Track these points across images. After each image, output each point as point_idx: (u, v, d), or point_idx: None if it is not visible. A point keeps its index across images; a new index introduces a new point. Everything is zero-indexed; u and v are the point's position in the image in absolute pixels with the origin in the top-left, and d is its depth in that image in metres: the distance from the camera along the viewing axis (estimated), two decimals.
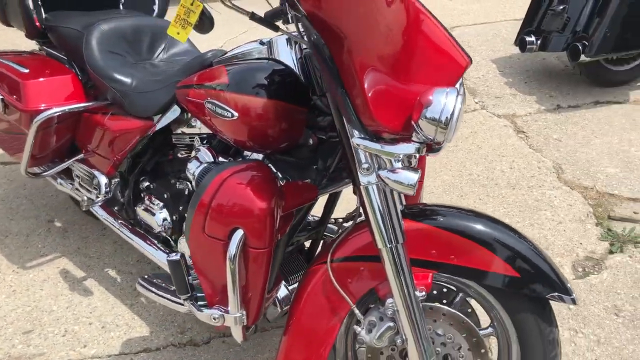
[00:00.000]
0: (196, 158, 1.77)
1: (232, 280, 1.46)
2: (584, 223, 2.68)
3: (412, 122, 1.29)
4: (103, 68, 2.06)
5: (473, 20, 5.36)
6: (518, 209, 2.79)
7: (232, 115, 1.59)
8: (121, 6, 2.56)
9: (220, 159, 1.76)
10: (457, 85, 1.33)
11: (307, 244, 2.01)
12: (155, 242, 2.05)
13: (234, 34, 5.29)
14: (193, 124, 1.91)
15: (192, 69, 1.89)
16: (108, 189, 2.10)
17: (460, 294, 1.58)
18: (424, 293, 1.48)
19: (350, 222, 1.64)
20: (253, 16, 1.34)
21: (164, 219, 2.05)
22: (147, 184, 2.17)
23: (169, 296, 1.76)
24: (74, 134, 2.26)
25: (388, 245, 1.41)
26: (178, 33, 1.28)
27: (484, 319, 1.59)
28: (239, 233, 1.45)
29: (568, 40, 3.69)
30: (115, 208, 2.22)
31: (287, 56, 1.65)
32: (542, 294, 1.45)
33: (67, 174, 2.35)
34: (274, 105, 1.57)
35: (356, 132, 1.35)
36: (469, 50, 4.53)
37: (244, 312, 1.51)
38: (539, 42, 3.86)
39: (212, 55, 1.87)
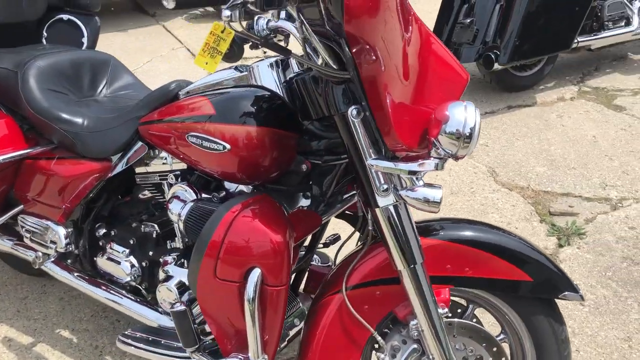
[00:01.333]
0: (176, 197, 1.64)
1: (252, 324, 1.36)
2: (530, 221, 2.81)
3: (432, 139, 1.27)
4: (47, 109, 1.87)
5: None
6: (467, 213, 2.87)
7: (224, 148, 1.49)
8: (44, 40, 2.35)
9: (204, 195, 1.65)
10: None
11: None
12: (126, 294, 1.87)
13: (138, 64, 5.06)
14: (163, 161, 1.77)
15: (155, 103, 1.77)
16: (68, 241, 1.89)
17: (471, 306, 1.59)
18: (446, 310, 1.46)
19: (357, 247, 1.59)
20: (266, 42, 1.27)
21: (132, 267, 1.88)
22: (105, 230, 1.98)
23: (161, 350, 1.60)
24: (12, 185, 2.02)
25: (409, 267, 1.39)
26: (206, 63, 1.19)
27: (491, 326, 1.60)
28: (256, 272, 1.35)
29: (479, 50, 3.90)
30: (68, 261, 2.01)
31: (270, 81, 1.58)
32: (555, 294, 1.49)
33: (5, 230, 2.09)
34: (267, 133, 1.50)
35: (372, 154, 1.32)
36: None
37: (266, 357, 1.41)
38: None
39: (176, 87, 1.76)
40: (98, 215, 2.00)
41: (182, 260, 1.79)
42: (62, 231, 1.88)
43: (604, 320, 2.21)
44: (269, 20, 1.63)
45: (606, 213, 2.87)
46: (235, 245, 1.35)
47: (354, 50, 1.14)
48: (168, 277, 1.77)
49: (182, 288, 1.74)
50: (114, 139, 1.81)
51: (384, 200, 1.35)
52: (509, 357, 1.55)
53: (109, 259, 1.91)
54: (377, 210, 1.37)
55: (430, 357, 1.44)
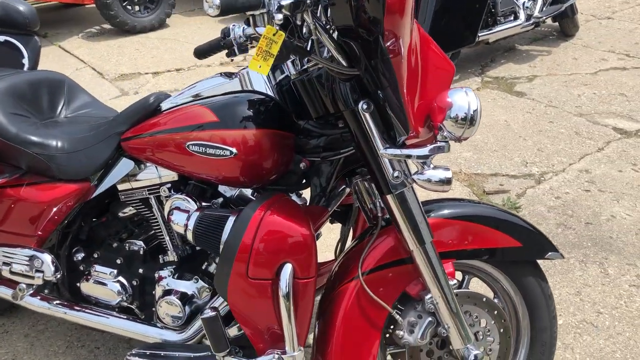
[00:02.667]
0: (177, 209, 1.63)
1: (287, 318, 1.40)
2: None
3: (438, 124, 1.39)
4: (16, 133, 1.77)
5: None
6: None
7: (230, 153, 1.52)
8: None
9: (204, 203, 1.66)
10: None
11: None
12: (120, 315, 1.83)
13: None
14: (150, 175, 1.74)
15: (134, 117, 1.75)
16: (55, 267, 1.80)
17: (466, 277, 1.73)
18: (455, 281, 1.59)
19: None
20: (307, 51, 1.32)
21: (122, 287, 1.84)
22: (84, 254, 1.91)
23: None
24: None
25: (421, 246, 1.50)
26: (260, 67, 1.20)
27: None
28: (288, 267, 1.40)
29: None
30: (45, 291, 1.91)
31: (261, 85, 1.63)
32: (541, 255, 1.66)
33: None
34: (269, 135, 1.55)
35: (383, 144, 1.41)
36: None
37: (302, 349, 1.45)
38: None
39: (155, 100, 1.75)
40: (74, 239, 1.93)
41: (179, 272, 1.78)
42: (48, 258, 1.79)
43: (554, 281, 2.46)
44: (244, 28, 1.69)
45: (533, 187, 3.17)
46: (266, 244, 1.39)
47: (387, 44, 1.23)
48: (168, 292, 1.76)
49: (184, 299, 1.73)
50: (93, 157, 1.76)
51: (395, 186, 1.46)
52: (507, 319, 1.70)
53: (96, 282, 1.85)
54: (389, 196, 1.47)
55: (446, 326, 1.56)
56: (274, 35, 1.19)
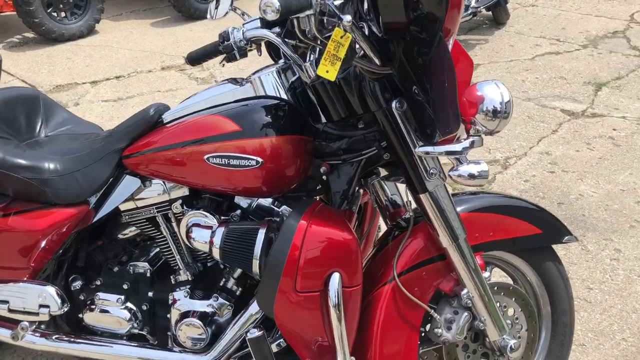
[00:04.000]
0: (197, 225, 1.54)
1: (339, 328, 1.35)
2: None
3: (471, 118, 1.39)
4: (2, 158, 1.61)
5: None
6: None
7: (256, 163, 1.46)
8: None
9: (222, 217, 1.57)
10: None
11: None
12: (133, 343, 1.71)
13: None
14: (158, 192, 1.63)
15: (135, 132, 1.64)
16: (62, 298, 1.65)
17: (488, 268, 1.75)
18: (487, 274, 1.60)
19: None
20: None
21: (132, 313, 1.72)
22: (82, 282, 1.77)
23: None
24: None
25: (455, 242, 1.49)
26: (327, 71, 1.13)
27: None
28: (336, 276, 1.35)
29: None
30: (42, 327, 1.76)
31: (275, 90, 1.57)
32: (559, 240, 1.71)
33: None
34: (292, 140, 1.50)
35: (417, 142, 1.39)
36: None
37: (353, 358, 1.41)
38: None
39: (155, 112, 1.65)
40: (70, 267, 1.78)
41: (195, 292, 1.68)
42: (52, 290, 1.64)
43: None
44: (244, 31, 1.63)
45: (501, 173, 3.26)
46: (314, 255, 1.34)
47: (444, 41, 1.20)
48: (185, 314, 1.66)
49: (205, 319, 1.65)
50: (91, 178, 1.64)
51: (433, 183, 1.44)
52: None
53: (102, 310, 1.72)
54: (424, 194, 1.45)
55: (482, 319, 1.57)
56: (341, 37, 1.13)
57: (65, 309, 1.65)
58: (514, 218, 1.65)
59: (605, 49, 5.08)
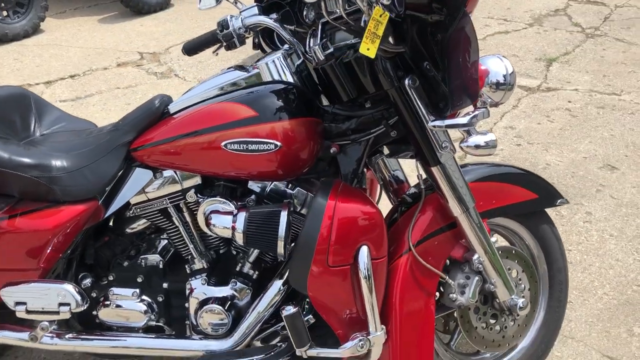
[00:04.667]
0: (216, 212, 1.56)
1: (370, 299, 1.41)
2: None
3: (480, 91, 1.47)
4: (9, 158, 1.58)
5: (182, 38, 5.43)
6: None
7: (275, 147, 1.49)
8: None
9: (239, 203, 1.60)
10: None
11: None
12: (152, 335, 1.71)
13: None
14: (169, 182, 1.64)
15: (142, 124, 1.65)
16: (81, 295, 1.62)
17: (491, 233, 1.84)
18: (495, 238, 1.69)
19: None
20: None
21: (149, 305, 1.72)
22: (92, 279, 1.76)
23: None
24: None
25: (466, 211, 1.58)
26: (368, 49, 1.16)
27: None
28: (364, 249, 1.41)
29: None
30: (54, 327, 1.73)
31: (282, 75, 1.60)
32: (553, 203, 1.82)
33: None
34: (305, 123, 1.54)
35: (429, 118, 1.46)
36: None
37: (383, 327, 1.47)
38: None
39: (160, 103, 1.66)
40: (80, 264, 1.77)
41: (213, 279, 1.70)
42: (71, 288, 1.62)
43: None
44: (243, 19, 1.66)
45: None
46: (343, 230, 1.39)
47: (468, 17, 1.27)
48: (205, 301, 1.68)
49: (226, 304, 1.67)
50: (100, 173, 1.63)
51: (442, 156, 1.52)
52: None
53: (117, 305, 1.71)
54: (436, 167, 1.52)
55: (492, 281, 1.66)
56: (380, 16, 1.18)
57: (86, 306, 1.64)
58: (512, 185, 1.75)
59: (550, 26, 5.31)
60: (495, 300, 1.72)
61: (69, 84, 4.58)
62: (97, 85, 4.52)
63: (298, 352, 1.47)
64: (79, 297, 1.61)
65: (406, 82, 1.43)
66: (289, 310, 1.44)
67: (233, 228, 1.53)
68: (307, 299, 1.57)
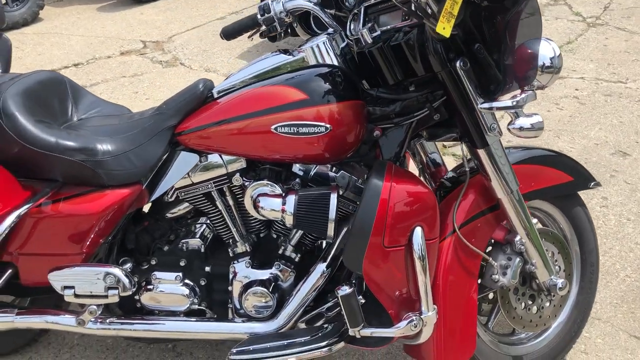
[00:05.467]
0: (264, 195, 1.57)
1: (423, 279, 1.43)
2: None
3: (528, 74, 1.49)
4: (55, 142, 1.57)
5: (184, 27, 5.40)
6: None
7: (325, 129, 1.50)
8: None
9: (285, 186, 1.61)
10: None
11: None
12: (197, 319, 1.72)
13: None
14: (215, 166, 1.64)
15: (186, 108, 1.65)
16: (129, 279, 1.63)
17: None
18: (536, 220, 1.71)
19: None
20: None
21: (191, 289, 1.73)
22: (133, 264, 1.76)
23: (296, 350, 1.56)
24: None
25: (510, 193, 1.60)
26: (444, 28, 1.17)
27: None
28: (418, 230, 1.43)
29: None
30: (97, 313, 1.73)
31: (327, 58, 1.61)
32: (587, 186, 1.85)
33: None
34: (353, 106, 1.55)
35: (478, 99, 1.48)
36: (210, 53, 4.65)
37: (435, 307, 1.49)
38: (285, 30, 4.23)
39: (204, 87, 1.66)
40: (121, 249, 1.77)
41: (256, 262, 1.72)
42: (119, 272, 1.62)
43: None
44: (284, 3, 1.67)
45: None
46: (399, 211, 1.41)
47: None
48: (250, 284, 1.69)
49: (269, 287, 1.68)
50: (145, 157, 1.63)
51: (490, 139, 1.54)
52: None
53: (160, 290, 1.72)
54: (482, 150, 1.54)
55: (533, 262, 1.69)
56: None
57: (133, 290, 1.64)
58: (549, 167, 1.77)
59: (551, 15, 5.34)
60: (534, 281, 1.75)
61: (73, 73, 4.54)
62: (102, 73, 4.49)
63: (351, 331, 1.49)
64: (126, 281, 1.61)
65: (457, 64, 1.44)
66: (345, 290, 1.46)
67: (283, 210, 1.54)
68: (354, 280, 1.59)
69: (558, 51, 1.51)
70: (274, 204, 1.55)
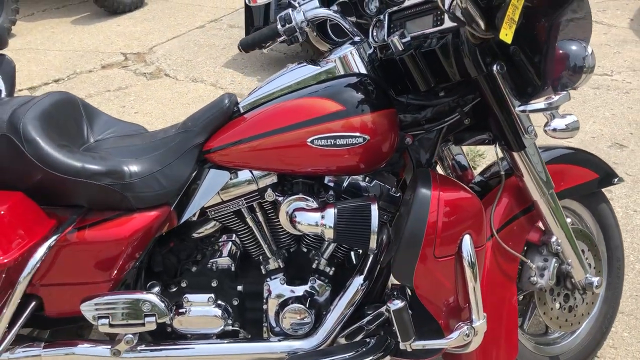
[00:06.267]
0: (300, 210, 1.53)
1: (475, 287, 1.41)
2: None
3: (558, 75, 1.48)
4: (81, 167, 1.50)
5: (164, 37, 5.31)
6: None
7: (363, 140, 1.47)
8: None
9: (319, 199, 1.57)
10: None
11: None
12: (226, 340, 1.67)
13: None
14: (246, 183, 1.60)
15: (213, 124, 1.60)
16: (166, 305, 1.56)
17: None
18: (570, 220, 1.71)
19: None
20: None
21: (225, 310, 1.68)
22: (160, 287, 1.69)
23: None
24: None
25: (545, 195, 1.60)
26: (506, 34, 1.15)
27: None
28: (467, 238, 1.41)
29: None
30: (134, 342, 1.65)
31: (356, 67, 1.58)
32: (611, 182, 1.86)
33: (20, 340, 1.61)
34: (387, 114, 1.53)
35: (516, 102, 1.47)
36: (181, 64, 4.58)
37: (485, 314, 1.47)
38: None
39: (230, 102, 1.62)
40: (148, 272, 1.71)
41: (291, 278, 1.68)
42: (154, 298, 1.55)
43: None
44: (305, 12, 1.64)
45: None
46: (449, 221, 1.39)
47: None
48: (286, 301, 1.65)
49: (306, 301, 1.64)
50: (173, 177, 1.58)
51: (527, 141, 1.53)
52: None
53: (193, 312, 1.66)
54: (522, 152, 1.54)
55: (569, 262, 1.69)
56: (517, 1, 1.17)
57: (171, 315, 1.58)
58: (576, 166, 1.78)
59: None
60: (569, 280, 1.75)
61: (54, 89, 4.41)
62: (85, 89, 4.37)
63: (402, 345, 1.46)
64: (163, 306, 1.55)
65: (494, 68, 1.43)
66: (397, 304, 1.43)
67: (322, 225, 1.50)
68: (394, 292, 1.56)
69: (590, 50, 1.51)
70: (312, 219, 1.51)
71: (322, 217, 1.50)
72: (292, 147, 1.50)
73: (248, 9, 4.34)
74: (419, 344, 1.45)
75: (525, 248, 1.71)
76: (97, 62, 4.82)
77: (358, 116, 1.47)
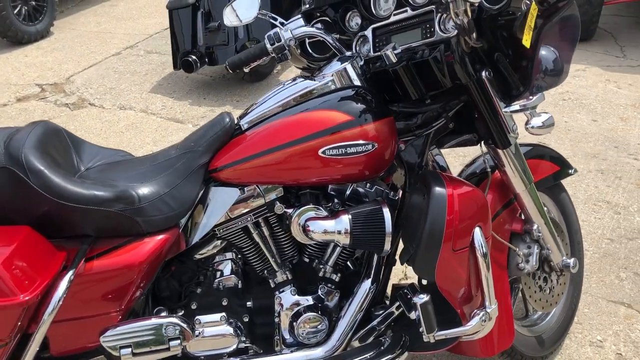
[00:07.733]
0: (312, 219, 1.58)
1: (487, 275, 1.53)
2: None
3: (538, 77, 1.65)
4: (89, 194, 1.46)
5: (80, 66, 5.11)
6: None
7: (372, 147, 1.55)
8: None
9: (328, 207, 1.63)
10: None
11: None
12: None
13: None
14: (253, 198, 1.62)
15: (216, 143, 1.62)
16: (191, 327, 1.53)
17: None
18: (547, 208, 1.89)
19: None
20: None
21: (237, 327, 1.68)
22: (167, 312, 1.67)
23: None
24: None
25: (528, 187, 1.76)
26: (526, 40, 1.25)
27: None
28: (478, 230, 1.52)
29: (237, 49, 4.14)
30: None
31: (352, 79, 1.66)
32: (568, 173, 2.07)
33: None
34: (388, 122, 1.63)
35: (501, 104, 1.62)
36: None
37: (497, 300, 1.58)
38: (201, 60, 4.19)
39: (230, 120, 1.65)
40: (155, 296, 1.68)
41: (300, 288, 1.71)
42: (176, 320, 1.52)
43: None
44: (292, 30, 1.73)
45: None
46: (464, 215, 1.49)
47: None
48: (299, 311, 1.68)
49: (319, 309, 1.69)
50: (181, 198, 1.58)
51: (512, 139, 1.68)
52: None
53: (207, 334, 1.65)
54: (506, 150, 1.68)
55: (548, 247, 1.86)
56: (533, 10, 1.29)
57: (196, 336, 1.56)
58: (542, 160, 1.97)
59: None
60: (547, 264, 1.92)
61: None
62: (4, 123, 4.12)
63: (426, 337, 1.54)
64: (187, 329, 1.53)
65: (483, 74, 1.57)
66: (422, 298, 1.51)
67: (337, 232, 1.56)
68: (404, 290, 1.65)
69: (557, 54, 1.69)
70: (325, 226, 1.57)
71: (336, 224, 1.56)
72: (302, 159, 1.55)
73: (173, 34, 4.31)
74: (442, 334, 1.54)
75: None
76: (10, 95, 4.55)
77: (365, 125, 1.55)
